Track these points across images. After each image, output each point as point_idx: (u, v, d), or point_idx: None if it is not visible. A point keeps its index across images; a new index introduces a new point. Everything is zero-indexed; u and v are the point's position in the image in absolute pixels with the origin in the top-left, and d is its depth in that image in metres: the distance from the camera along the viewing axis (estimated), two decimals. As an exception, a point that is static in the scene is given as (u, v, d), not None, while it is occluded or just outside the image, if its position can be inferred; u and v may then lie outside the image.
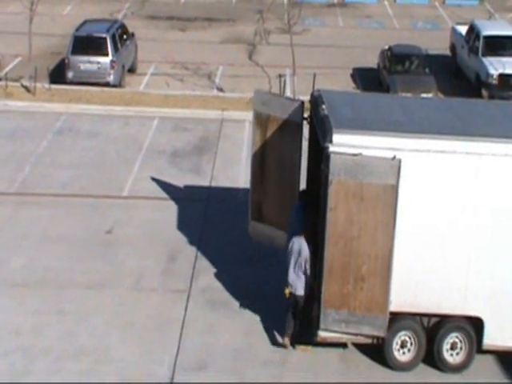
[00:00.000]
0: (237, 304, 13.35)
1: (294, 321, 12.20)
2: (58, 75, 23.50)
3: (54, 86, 22.69)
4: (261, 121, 13.42)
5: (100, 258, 14.65)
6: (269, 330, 12.70)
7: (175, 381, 11.59)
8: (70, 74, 23.00)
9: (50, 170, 18.17)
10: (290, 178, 13.24)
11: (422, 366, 11.97)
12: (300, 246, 12.04)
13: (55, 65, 24.85)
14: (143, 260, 14.63)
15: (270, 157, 13.48)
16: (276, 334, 12.59)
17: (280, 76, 22.87)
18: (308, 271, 11.93)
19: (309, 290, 11.99)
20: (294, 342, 12.25)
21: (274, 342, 12.35)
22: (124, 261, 14.60)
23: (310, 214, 12.49)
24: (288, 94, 22.62)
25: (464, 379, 11.86)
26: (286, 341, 12.15)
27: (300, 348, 12.22)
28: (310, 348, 12.16)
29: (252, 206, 13.92)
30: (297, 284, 12.09)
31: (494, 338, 11.71)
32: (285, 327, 12.22)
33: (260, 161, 13.63)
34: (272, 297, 13.27)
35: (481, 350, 11.87)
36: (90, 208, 16.52)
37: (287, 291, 12.13)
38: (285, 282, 12.20)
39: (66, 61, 23.10)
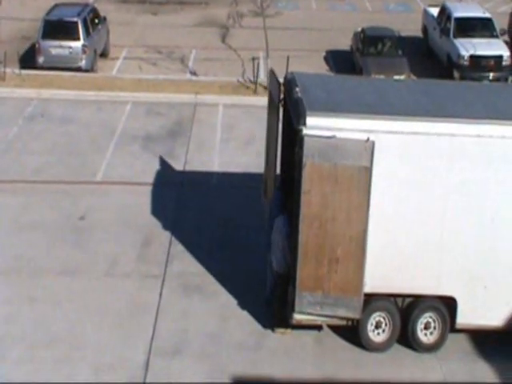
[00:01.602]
0: (211, 289, 13.33)
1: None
2: (28, 60, 23.16)
3: (24, 72, 22.36)
4: (269, 99, 13.66)
5: (73, 245, 14.52)
6: (244, 315, 12.70)
7: (150, 366, 11.56)
8: (40, 59, 22.66)
9: (22, 156, 17.95)
10: (270, 160, 13.31)
11: (395, 346, 12.07)
12: (282, 224, 12.08)
13: (25, 49, 24.47)
14: (117, 246, 14.53)
15: (267, 135, 13.67)
16: (251, 318, 12.61)
17: (253, 59, 22.80)
18: (285, 249, 11.92)
19: (285, 269, 11.95)
20: (273, 325, 12.27)
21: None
22: (98, 247, 14.50)
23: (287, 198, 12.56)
24: (261, 77, 22.56)
25: (437, 358, 11.99)
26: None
27: (279, 331, 12.25)
28: (289, 331, 12.19)
29: (263, 181, 14.06)
30: (274, 259, 12.15)
31: (466, 316, 11.83)
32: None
33: (267, 138, 13.82)
34: (246, 281, 13.27)
35: (454, 329, 12.00)
36: (62, 194, 16.35)
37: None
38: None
39: (37, 45, 22.76)
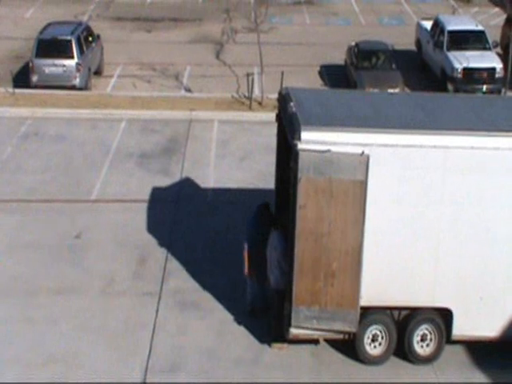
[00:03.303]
0: (208, 305, 13.27)
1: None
2: (22, 79, 23.19)
3: (18, 91, 22.39)
4: None
5: (69, 263, 14.47)
6: (240, 330, 12.65)
7: (147, 383, 11.49)
8: (34, 78, 22.67)
9: (16, 175, 17.92)
10: None
11: (392, 359, 12.03)
12: (277, 240, 12.04)
13: (19, 69, 24.52)
14: (113, 264, 14.49)
15: None
16: (248, 333, 12.56)
17: (248, 75, 22.84)
18: (282, 266, 11.88)
19: (283, 286, 11.90)
20: (270, 340, 12.23)
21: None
22: (93, 265, 14.45)
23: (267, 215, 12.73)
24: (256, 92, 22.61)
25: (434, 369, 11.95)
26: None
27: (276, 346, 12.20)
28: (285, 346, 12.14)
29: None
30: (271, 277, 12.14)
31: (462, 328, 11.81)
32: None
33: None
34: (242, 296, 13.19)
35: (450, 341, 11.97)
36: (57, 213, 16.31)
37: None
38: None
39: (31, 64, 22.77)
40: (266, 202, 13.14)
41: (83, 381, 11.50)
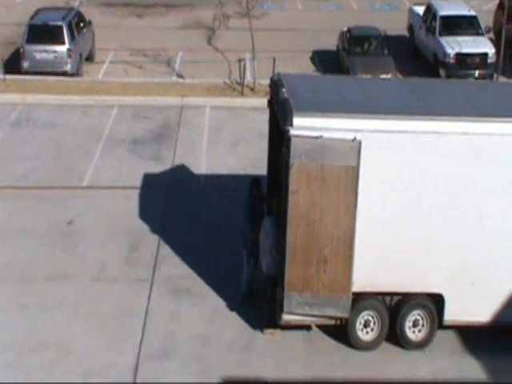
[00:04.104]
0: (200, 291, 13.28)
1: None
2: (13, 65, 23.04)
3: (8, 77, 22.24)
4: None
5: (61, 250, 14.45)
6: (233, 316, 12.67)
7: (139, 370, 11.51)
8: (25, 64, 22.52)
9: (8, 162, 17.84)
10: None
11: (384, 344, 12.06)
12: (269, 226, 12.04)
13: (10, 55, 24.35)
14: (105, 250, 14.47)
15: None
16: (241, 319, 12.58)
17: (240, 60, 22.76)
18: (274, 252, 11.89)
19: (275, 271, 11.92)
20: (262, 326, 12.26)
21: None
22: (85, 252, 14.43)
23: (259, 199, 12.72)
24: (248, 78, 22.54)
25: (426, 355, 12.01)
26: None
27: (268, 332, 12.23)
28: (278, 331, 12.17)
29: None
30: (262, 263, 12.17)
31: (454, 313, 11.85)
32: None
33: None
34: (235, 283, 13.22)
35: (441, 326, 12.01)
36: (49, 199, 16.27)
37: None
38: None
39: (21, 50, 22.62)
40: (256, 177, 13.09)
41: (75, 367, 11.51)
